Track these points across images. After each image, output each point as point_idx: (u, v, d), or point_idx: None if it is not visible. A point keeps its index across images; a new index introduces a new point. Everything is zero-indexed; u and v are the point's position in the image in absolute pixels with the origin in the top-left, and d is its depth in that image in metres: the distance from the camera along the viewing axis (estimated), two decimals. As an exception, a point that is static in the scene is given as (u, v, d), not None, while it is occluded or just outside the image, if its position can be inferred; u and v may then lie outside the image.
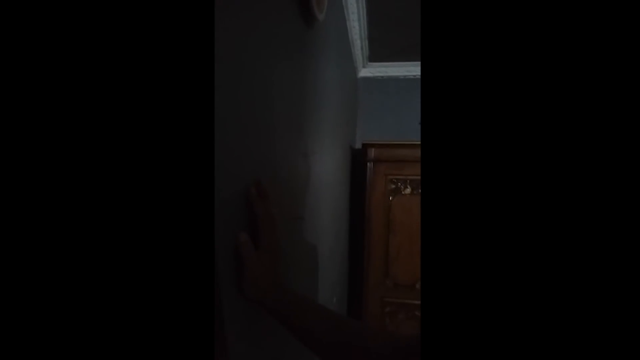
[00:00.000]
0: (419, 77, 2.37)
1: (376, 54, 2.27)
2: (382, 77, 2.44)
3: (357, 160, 2.19)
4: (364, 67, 2.40)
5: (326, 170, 1.26)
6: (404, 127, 2.35)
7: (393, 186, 2.06)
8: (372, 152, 2.05)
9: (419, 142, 2.01)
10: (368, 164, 2.06)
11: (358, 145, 2.28)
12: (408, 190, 2.05)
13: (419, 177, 2.03)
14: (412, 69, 2.38)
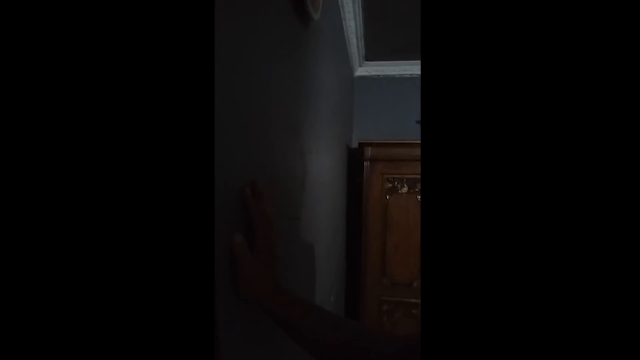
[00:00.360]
0: (416, 75, 2.38)
1: (372, 53, 2.27)
2: (378, 76, 2.44)
3: (354, 160, 2.19)
4: (360, 66, 2.40)
5: (323, 170, 1.26)
6: (401, 126, 2.36)
7: (390, 185, 2.07)
8: (368, 151, 2.06)
9: (416, 141, 2.02)
10: (365, 163, 2.06)
11: (355, 145, 2.28)
12: (405, 189, 2.05)
13: (416, 176, 2.03)
14: (408, 68, 2.38)
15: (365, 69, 2.43)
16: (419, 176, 2.01)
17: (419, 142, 2.04)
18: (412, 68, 2.37)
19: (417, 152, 2.00)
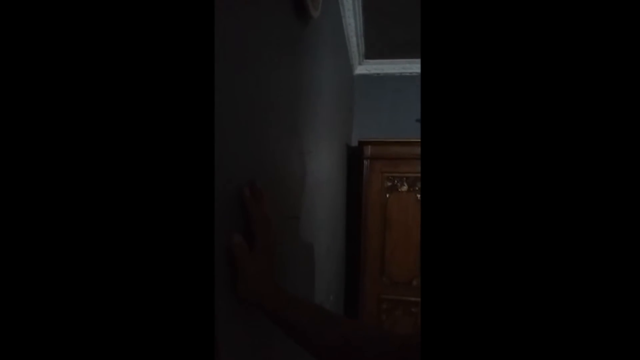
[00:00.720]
0: (415, 74, 2.37)
1: (372, 51, 2.27)
2: (378, 74, 2.44)
3: (354, 158, 2.19)
4: (360, 64, 2.40)
5: (322, 169, 1.26)
6: (401, 124, 2.35)
7: (389, 183, 2.07)
8: (368, 150, 2.05)
9: (416, 140, 2.02)
10: (364, 161, 2.06)
11: (354, 143, 2.28)
12: (404, 188, 2.05)
13: (416, 175, 2.03)
14: (408, 66, 2.38)
15: (365, 67, 2.43)
16: (419, 175, 2.01)
17: (419, 140, 2.04)
18: (412, 66, 2.37)
19: (417, 150, 1.99)
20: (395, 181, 2.06)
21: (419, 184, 2.03)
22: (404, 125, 2.33)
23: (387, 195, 2.06)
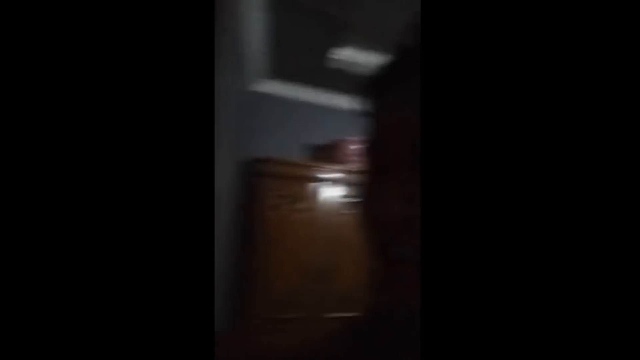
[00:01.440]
0: (307, 100, 2.54)
1: (271, 71, 2.35)
2: (276, 95, 2.52)
3: (248, 176, 2.19)
4: (256, 83, 2.44)
5: (215, 186, 1.24)
6: (292, 145, 2.47)
7: (279, 201, 2.12)
8: (261, 168, 2.09)
9: (303, 162, 2.13)
10: (256, 179, 2.09)
11: (249, 160, 2.27)
12: (292, 206, 2.13)
13: (303, 194, 2.14)
14: (302, 93, 2.54)
15: (264, 86, 2.49)
16: (305, 194, 2.13)
17: (308, 163, 2.18)
18: (306, 94, 2.54)
19: (305, 172, 2.13)
20: (285, 199, 2.13)
21: (305, 204, 2.13)
22: (295, 146, 2.45)
23: (275, 213, 2.11)
